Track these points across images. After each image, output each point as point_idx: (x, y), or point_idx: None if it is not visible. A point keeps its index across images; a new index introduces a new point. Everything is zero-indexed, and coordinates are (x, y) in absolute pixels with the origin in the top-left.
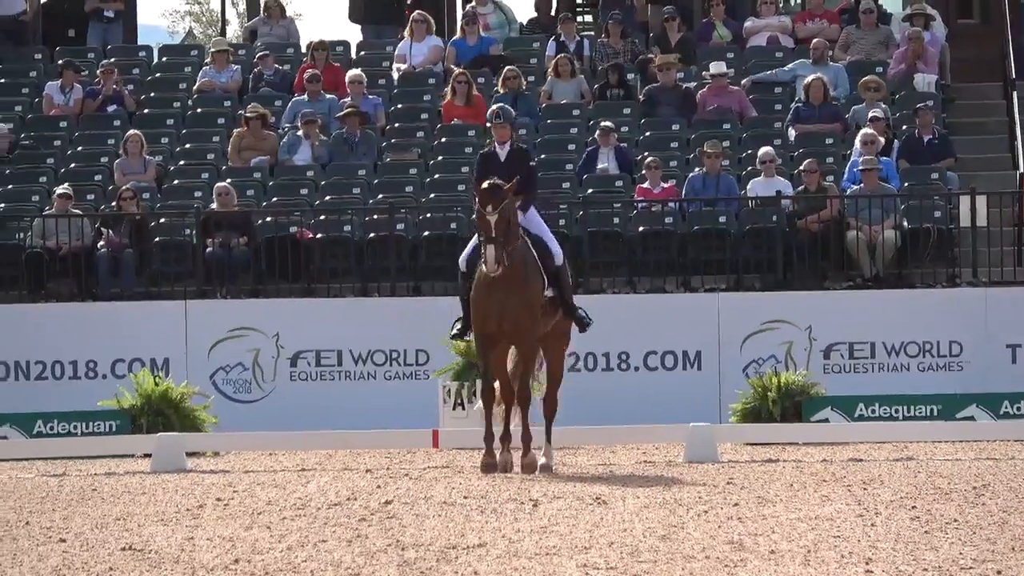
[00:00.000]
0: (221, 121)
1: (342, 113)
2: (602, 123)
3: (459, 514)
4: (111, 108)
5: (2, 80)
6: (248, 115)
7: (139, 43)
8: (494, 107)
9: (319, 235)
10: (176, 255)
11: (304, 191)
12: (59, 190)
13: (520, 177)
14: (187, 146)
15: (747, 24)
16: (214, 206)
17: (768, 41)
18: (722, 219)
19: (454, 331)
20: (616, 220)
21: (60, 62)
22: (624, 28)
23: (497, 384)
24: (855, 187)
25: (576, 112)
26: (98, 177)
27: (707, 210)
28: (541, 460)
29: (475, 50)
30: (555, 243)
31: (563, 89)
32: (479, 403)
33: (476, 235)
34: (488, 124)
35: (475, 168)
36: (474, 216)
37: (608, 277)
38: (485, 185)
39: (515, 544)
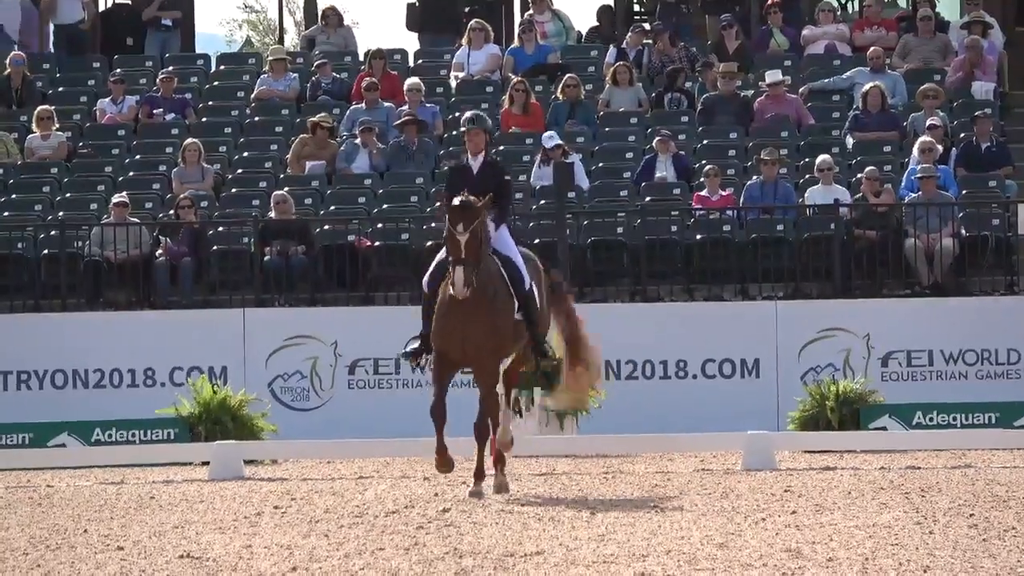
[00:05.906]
0: (279, 129)
1: (400, 121)
2: (660, 131)
3: (517, 522)
4: (169, 116)
5: (60, 88)
6: (321, 123)
7: (197, 51)
8: (468, 113)
9: (377, 243)
10: (234, 263)
11: (362, 199)
12: (116, 199)
13: (493, 192)
14: (245, 154)
15: (805, 32)
16: (272, 214)
17: (826, 49)
18: (780, 227)
19: (408, 349)
20: (674, 228)
21: (111, 79)
22: (671, 35)
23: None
24: (913, 195)
25: (634, 120)
26: (156, 186)
27: (765, 218)
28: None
29: (533, 58)
30: (524, 266)
31: (621, 97)
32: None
33: (442, 253)
34: (462, 130)
35: (445, 183)
36: (443, 235)
37: (665, 285)
38: (456, 202)
39: (573, 552)
